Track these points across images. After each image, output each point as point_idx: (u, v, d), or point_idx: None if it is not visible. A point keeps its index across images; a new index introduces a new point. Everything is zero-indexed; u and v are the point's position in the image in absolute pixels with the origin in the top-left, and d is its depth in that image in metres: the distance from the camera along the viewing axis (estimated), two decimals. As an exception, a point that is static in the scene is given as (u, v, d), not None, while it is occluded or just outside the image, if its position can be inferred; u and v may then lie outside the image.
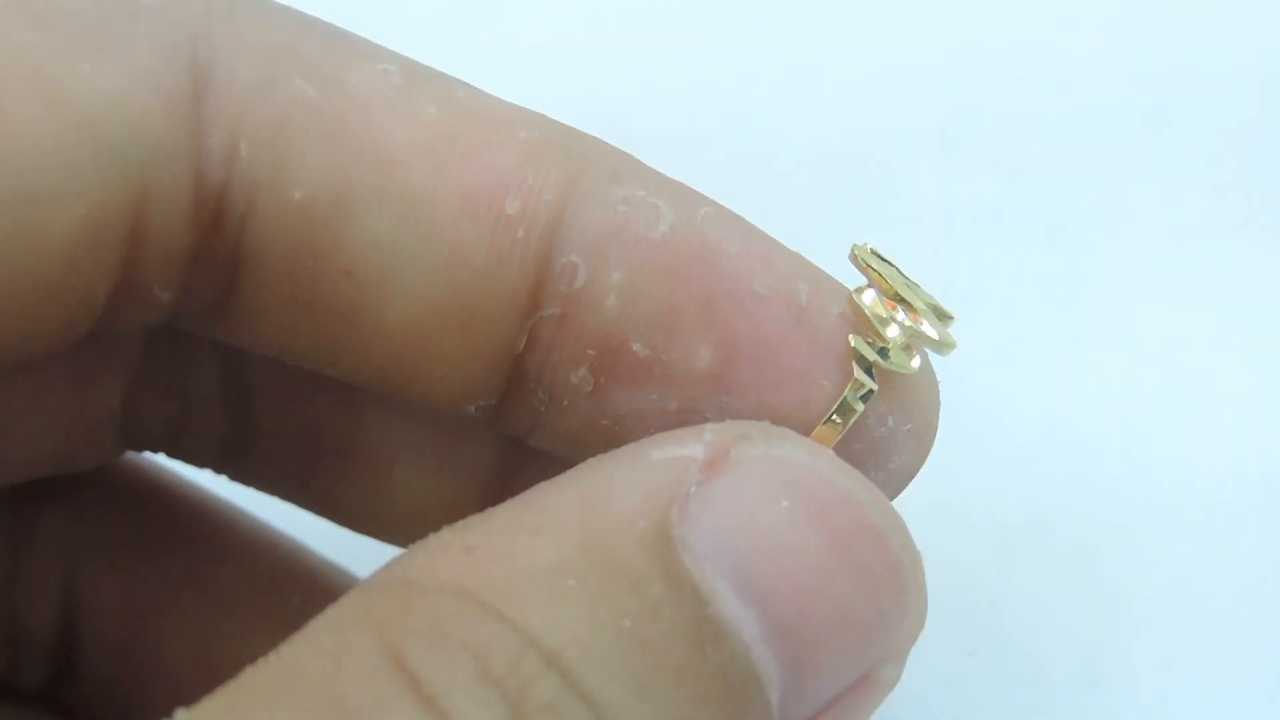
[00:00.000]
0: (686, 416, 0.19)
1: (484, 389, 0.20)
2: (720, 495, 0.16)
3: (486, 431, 0.22)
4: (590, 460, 0.17)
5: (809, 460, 0.17)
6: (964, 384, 0.32)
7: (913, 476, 0.20)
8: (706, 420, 0.19)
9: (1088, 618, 0.29)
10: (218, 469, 0.24)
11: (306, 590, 0.25)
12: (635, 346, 0.19)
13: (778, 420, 0.19)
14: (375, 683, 0.14)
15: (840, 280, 0.20)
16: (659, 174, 0.20)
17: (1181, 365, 0.32)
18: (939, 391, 0.20)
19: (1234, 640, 0.29)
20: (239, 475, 0.24)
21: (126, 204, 0.18)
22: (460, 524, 0.16)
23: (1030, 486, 0.31)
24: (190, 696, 0.19)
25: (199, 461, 0.24)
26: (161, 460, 0.25)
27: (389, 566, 0.16)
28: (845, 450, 0.19)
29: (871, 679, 0.17)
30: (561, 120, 0.20)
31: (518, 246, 0.19)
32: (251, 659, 0.23)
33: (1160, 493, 0.30)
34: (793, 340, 0.19)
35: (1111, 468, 0.31)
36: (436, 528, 0.21)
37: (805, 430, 0.19)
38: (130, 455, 0.25)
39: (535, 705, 0.14)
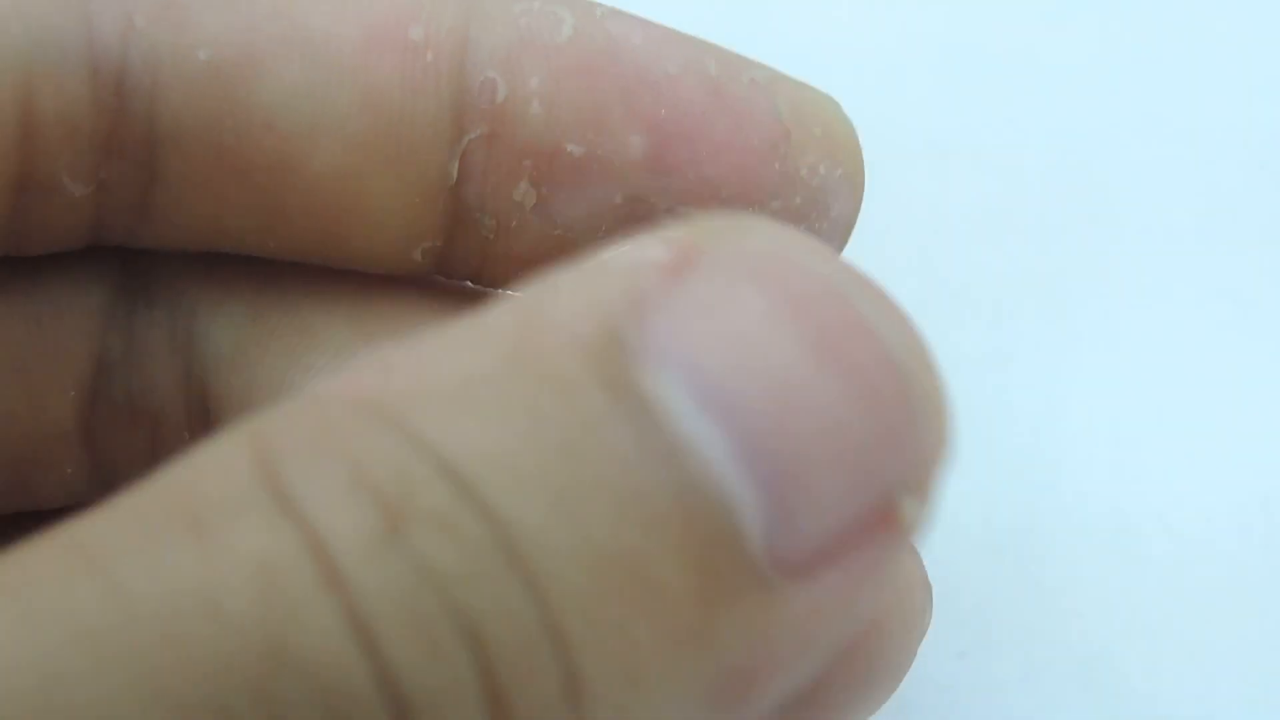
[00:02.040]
0: (634, 206, 0.20)
1: (426, 229, 0.20)
2: (681, 297, 0.13)
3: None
4: (542, 278, 0.15)
5: (787, 249, 0.14)
6: (953, 386, 0.32)
7: (852, 225, 0.21)
8: (653, 207, 0.20)
9: (1078, 620, 0.29)
10: None
11: None
12: (569, 147, 0.20)
13: (718, 191, 0.19)
14: (233, 484, 0.12)
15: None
16: None
17: (1174, 369, 0.32)
18: (857, 134, 0.21)
19: (1225, 644, 0.28)
20: None
21: (12, 82, 0.18)
22: (380, 348, 0.14)
23: (1021, 488, 0.30)
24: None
25: None
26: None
27: (302, 391, 0.14)
28: (786, 205, 0.20)
29: (891, 515, 0.13)
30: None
31: (429, 72, 0.19)
32: None
33: (1152, 495, 0.30)
34: (713, 111, 0.20)
35: (1103, 470, 0.31)
36: None
37: (749, 199, 0.20)
38: None
39: (418, 514, 0.12)
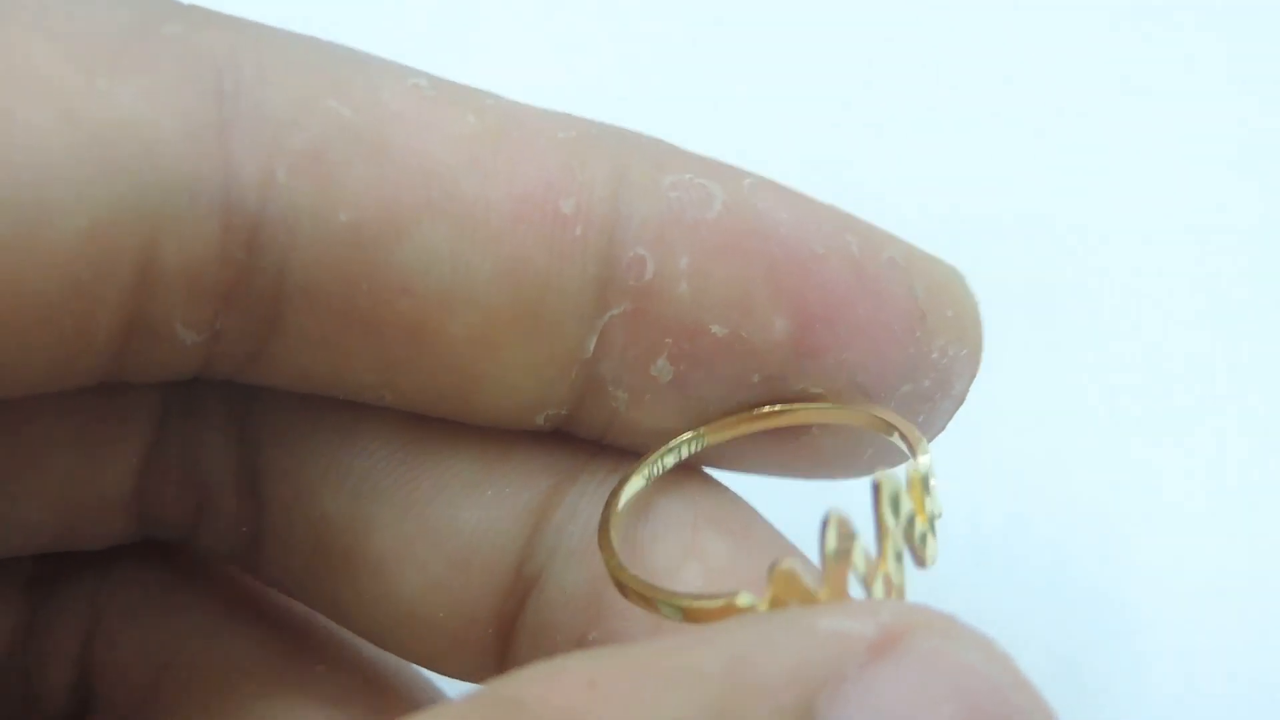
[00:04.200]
0: (771, 386, 0.19)
1: (554, 396, 0.20)
2: (880, 683, 0.14)
3: (500, 539, 0.21)
4: (749, 617, 0.16)
5: (984, 666, 0.15)
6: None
7: (966, 397, 0.21)
8: (788, 390, 0.19)
9: (1067, 621, 0.29)
10: (241, 567, 0.24)
11: (332, 660, 0.23)
12: (714, 328, 0.19)
13: (854, 374, 0.19)
14: None
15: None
16: (697, 155, 0.20)
17: (1162, 371, 0.33)
18: (980, 311, 0.20)
19: (1210, 644, 0.29)
20: (256, 574, 0.23)
21: (137, 226, 0.17)
22: (587, 653, 0.15)
23: (1009, 491, 0.31)
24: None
25: (221, 556, 0.23)
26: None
27: (498, 681, 0.15)
28: (916, 388, 0.19)
29: None
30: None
31: (577, 245, 0.19)
32: None
33: (1139, 498, 0.31)
34: (855, 293, 0.19)
35: (1090, 472, 0.31)
36: (449, 643, 0.21)
37: (884, 382, 0.19)
38: None
39: None
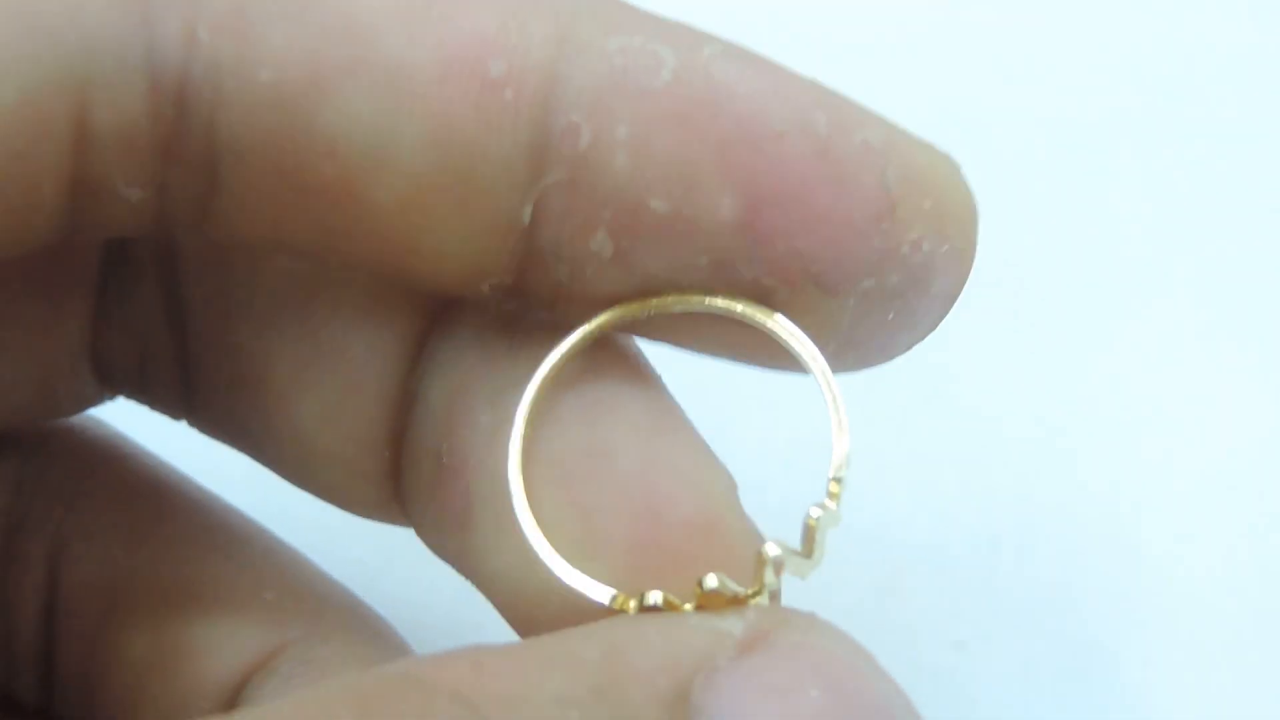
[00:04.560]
0: (720, 272, 0.18)
1: (494, 266, 0.19)
2: (749, 673, 0.15)
3: (387, 363, 0.21)
4: (623, 616, 0.17)
5: (847, 656, 0.16)
6: (953, 379, 0.32)
7: (956, 298, 0.19)
8: (740, 275, 0.18)
9: (1075, 613, 0.29)
10: (182, 414, 0.24)
11: (280, 587, 0.24)
12: (653, 203, 0.18)
13: (809, 265, 0.18)
14: None
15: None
16: (657, 18, 0.19)
17: (1172, 363, 0.32)
18: (974, 204, 0.19)
19: (1218, 637, 0.29)
20: (198, 423, 0.24)
21: (67, 91, 0.17)
22: (475, 645, 0.16)
23: (1020, 482, 0.31)
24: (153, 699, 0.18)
25: (167, 408, 0.24)
26: (151, 448, 0.25)
27: (392, 664, 0.16)
28: (880, 283, 0.18)
29: None
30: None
31: (507, 110, 0.18)
32: (217, 661, 0.22)
33: (1150, 490, 0.31)
34: (814, 177, 0.18)
35: (1101, 464, 0.31)
36: (349, 474, 0.21)
37: (841, 274, 0.18)
38: (120, 443, 0.26)
39: None
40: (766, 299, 0.19)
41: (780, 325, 0.19)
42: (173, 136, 0.18)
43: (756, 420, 0.31)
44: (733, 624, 0.16)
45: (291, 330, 0.21)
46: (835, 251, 0.18)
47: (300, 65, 0.18)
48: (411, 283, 0.20)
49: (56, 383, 0.23)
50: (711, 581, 0.17)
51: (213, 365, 0.22)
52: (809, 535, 0.18)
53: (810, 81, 0.18)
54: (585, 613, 0.17)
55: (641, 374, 0.20)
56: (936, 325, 0.19)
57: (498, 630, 0.19)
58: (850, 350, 0.19)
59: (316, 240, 0.19)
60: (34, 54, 0.17)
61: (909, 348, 0.20)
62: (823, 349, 0.19)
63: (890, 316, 0.19)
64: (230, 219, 0.19)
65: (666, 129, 0.18)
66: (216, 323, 0.22)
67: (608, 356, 0.20)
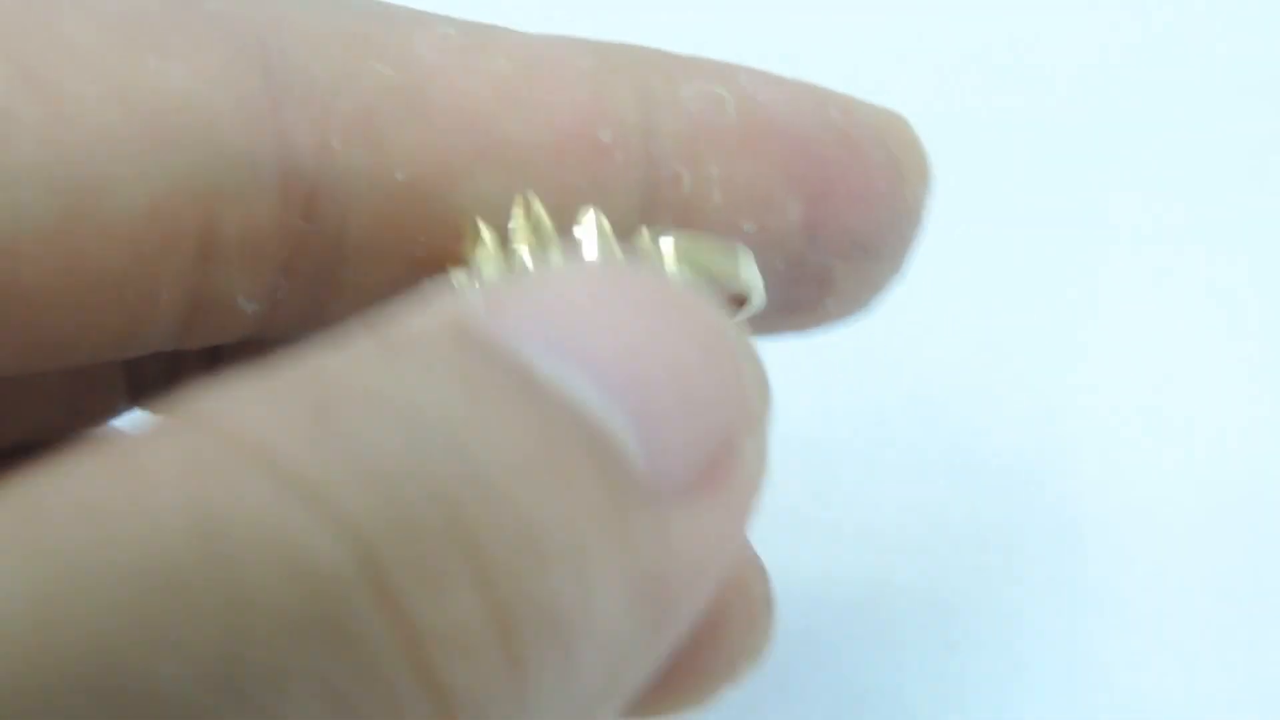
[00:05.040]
0: (792, 270, 0.20)
1: None
2: (518, 296, 0.15)
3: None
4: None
5: (613, 263, 0.17)
6: (942, 380, 0.32)
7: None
8: (808, 266, 0.20)
9: (1066, 614, 0.29)
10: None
11: None
12: (745, 226, 0.20)
13: (854, 238, 0.20)
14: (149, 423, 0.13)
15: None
16: (695, 59, 0.21)
17: (1162, 364, 0.32)
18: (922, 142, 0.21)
19: (1209, 638, 0.29)
20: None
21: (196, 202, 0.17)
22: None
23: (1010, 483, 0.31)
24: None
25: None
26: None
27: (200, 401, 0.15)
28: (902, 235, 0.21)
29: (737, 456, 0.15)
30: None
31: (619, 172, 0.19)
32: None
33: (1140, 492, 0.31)
34: (846, 164, 0.20)
35: (1091, 466, 0.31)
36: None
37: (878, 238, 0.21)
38: None
39: (346, 400, 0.13)
40: (825, 278, 0.21)
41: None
42: (297, 248, 0.19)
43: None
44: (474, 295, 0.15)
45: None
46: (871, 220, 0.20)
47: (430, 160, 0.19)
48: None
49: (86, 397, 0.23)
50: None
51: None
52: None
53: (806, 83, 0.21)
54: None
55: None
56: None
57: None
58: (853, 302, 0.22)
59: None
60: (166, 162, 0.17)
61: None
62: (856, 307, 0.22)
63: (899, 262, 0.22)
64: (342, 315, 0.19)
65: (744, 160, 0.20)
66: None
67: None
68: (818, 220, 0.20)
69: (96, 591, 0.11)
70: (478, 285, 0.16)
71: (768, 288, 0.20)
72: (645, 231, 0.19)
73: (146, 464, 0.12)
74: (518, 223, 0.19)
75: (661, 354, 0.15)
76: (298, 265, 0.19)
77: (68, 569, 0.11)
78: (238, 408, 0.13)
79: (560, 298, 0.15)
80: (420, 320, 0.14)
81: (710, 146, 0.20)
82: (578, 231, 0.19)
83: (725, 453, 0.15)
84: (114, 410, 0.24)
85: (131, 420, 0.24)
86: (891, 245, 0.21)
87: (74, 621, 0.11)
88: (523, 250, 0.19)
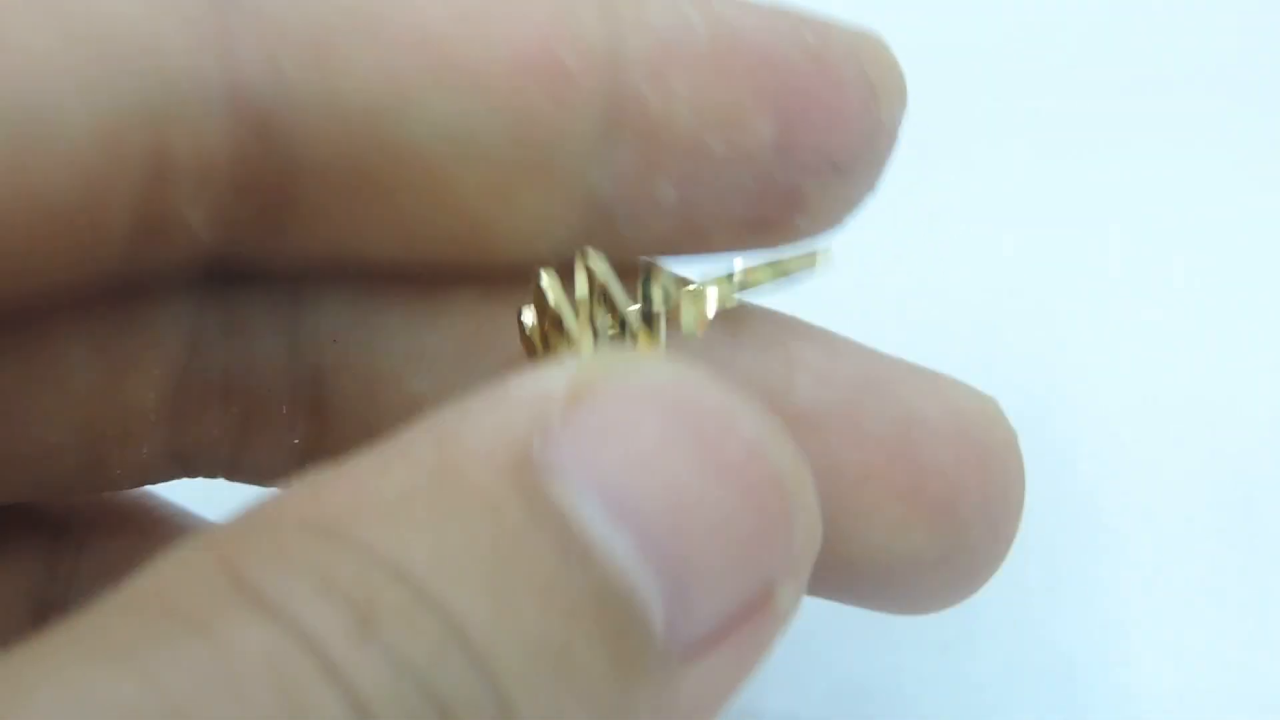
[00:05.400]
0: (763, 185, 0.20)
1: (566, 232, 0.20)
2: (584, 422, 0.15)
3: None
4: (452, 406, 0.16)
5: (673, 378, 0.16)
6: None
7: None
8: (780, 184, 0.20)
9: (1058, 616, 0.29)
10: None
11: None
12: (714, 145, 0.20)
13: (829, 157, 0.20)
14: (212, 593, 0.13)
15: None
16: None
17: (1156, 366, 0.33)
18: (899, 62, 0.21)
19: (1197, 640, 0.29)
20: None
21: (145, 126, 0.17)
22: (314, 473, 0.16)
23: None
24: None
25: (267, 478, 0.23)
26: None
27: (235, 512, 0.15)
28: (876, 154, 0.21)
29: (768, 602, 0.16)
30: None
31: (583, 93, 0.19)
32: None
33: (1131, 494, 0.31)
34: (820, 85, 0.20)
35: (1084, 468, 0.31)
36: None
37: (851, 158, 0.20)
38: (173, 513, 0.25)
39: (384, 611, 0.13)
40: (797, 196, 0.21)
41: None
42: (252, 170, 0.19)
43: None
44: (555, 381, 0.15)
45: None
46: (846, 140, 0.20)
47: (385, 83, 0.19)
48: (484, 261, 0.21)
49: (109, 455, 0.22)
50: (527, 317, 0.19)
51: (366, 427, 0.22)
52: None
53: (780, 7, 0.20)
54: None
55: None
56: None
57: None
58: (825, 220, 0.21)
59: (393, 245, 0.20)
60: (110, 86, 0.17)
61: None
62: (829, 225, 0.21)
63: (873, 180, 0.21)
64: (299, 240, 0.20)
65: (713, 79, 0.19)
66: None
67: None
68: (790, 139, 0.20)
69: None
70: (539, 390, 0.16)
71: (737, 205, 0.20)
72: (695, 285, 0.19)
73: (237, 654, 0.13)
74: (580, 288, 0.19)
75: (709, 505, 0.15)
76: (252, 187, 0.19)
77: None
78: (292, 586, 0.13)
79: (621, 427, 0.15)
80: (481, 436, 0.15)
81: (678, 67, 0.19)
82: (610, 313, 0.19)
83: (756, 601, 0.15)
84: (146, 473, 0.23)
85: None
86: (865, 164, 0.21)
87: None
88: (584, 334, 0.19)
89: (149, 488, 0.24)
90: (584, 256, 0.19)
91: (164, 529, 0.25)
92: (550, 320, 0.19)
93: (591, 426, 0.15)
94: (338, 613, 0.13)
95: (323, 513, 0.14)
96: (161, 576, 0.14)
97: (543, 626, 0.14)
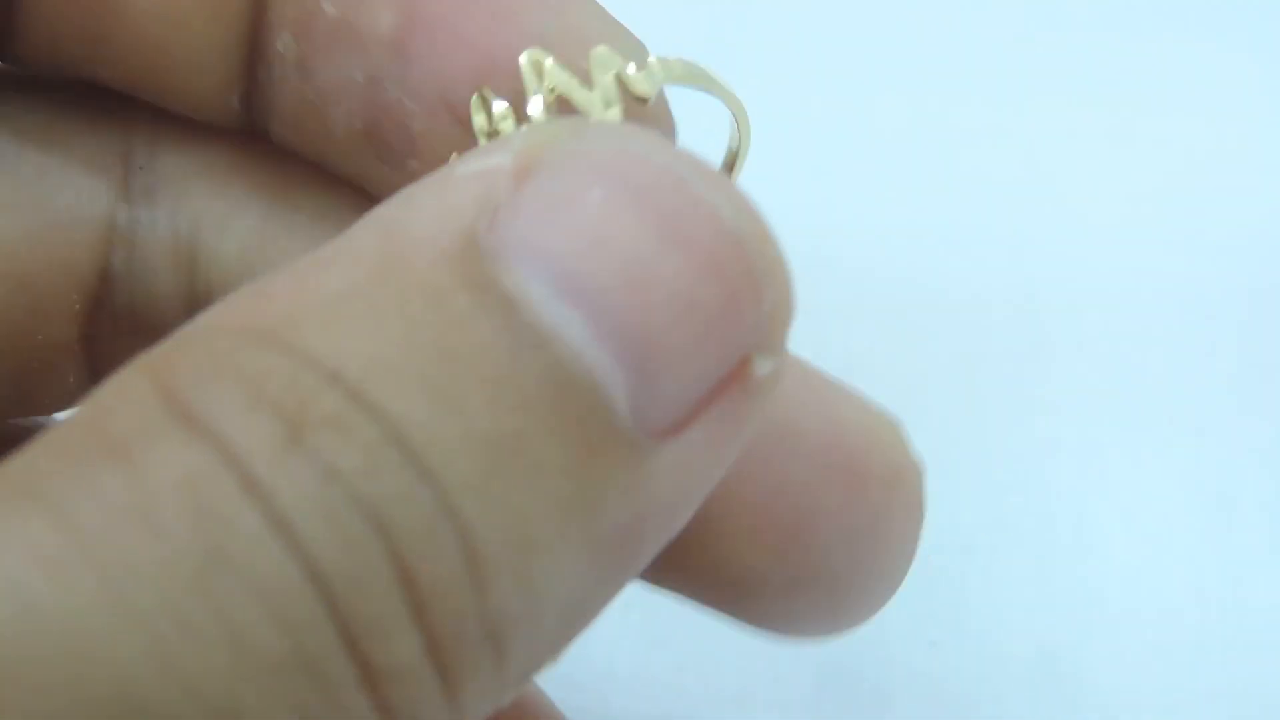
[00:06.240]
0: (373, 90, 0.19)
1: (234, 74, 0.20)
2: (529, 199, 0.14)
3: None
4: (399, 192, 0.15)
5: (622, 143, 0.15)
6: (920, 397, 0.33)
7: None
8: (387, 95, 0.19)
9: (1043, 614, 0.30)
10: None
11: None
12: (326, 6, 0.19)
13: (452, 97, 0.18)
14: (142, 414, 0.13)
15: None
16: None
17: (1137, 380, 0.33)
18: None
19: (1179, 638, 0.29)
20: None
21: None
22: (265, 274, 0.15)
23: (991, 487, 0.31)
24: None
25: None
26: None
27: (183, 328, 0.14)
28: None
29: (745, 374, 0.14)
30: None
31: None
32: None
33: (1119, 494, 0.31)
34: (476, 5, 0.18)
35: (1069, 471, 0.32)
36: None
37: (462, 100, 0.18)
38: None
39: (314, 420, 0.13)
40: (403, 128, 0.19)
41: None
42: None
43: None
44: (500, 157, 0.14)
45: None
46: (477, 80, 0.18)
47: None
48: (178, 99, 0.20)
49: (32, 385, 0.22)
50: (498, 106, 0.17)
51: None
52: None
53: None
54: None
55: None
56: None
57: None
58: None
59: (90, 54, 0.19)
60: None
61: None
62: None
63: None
64: (29, 36, 0.19)
65: None
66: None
67: None
68: (410, 47, 0.18)
69: (125, 621, 0.12)
70: (489, 162, 0.15)
71: (350, 100, 0.19)
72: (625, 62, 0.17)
73: (154, 482, 0.12)
74: (527, 85, 0.17)
75: (668, 277, 0.14)
76: None
77: (105, 600, 0.12)
78: (222, 401, 0.13)
79: (568, 201, 0.14)
80: (425, 223, 0.14)
81: None
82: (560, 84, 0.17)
83: (730, 375, 0.14)
84: (67, 398, 0.23)
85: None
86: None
87: (110, 645, 0.12)
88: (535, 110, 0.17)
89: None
90: (532, 56, 0.18)
91: None
92: (499, 119, 0.18)
93: (539, 202, 0.14)
94: (267, 424, 0.13)
95: (260, 319, 0.14)
96: (98, 404, 0.13)
97: (491, 421, 0.13)
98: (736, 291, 0.14)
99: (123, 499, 0.12)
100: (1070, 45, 0.38)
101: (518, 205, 0.14)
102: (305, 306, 0.14)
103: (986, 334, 0.33)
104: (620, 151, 0.14)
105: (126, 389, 0.13)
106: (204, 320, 0.14)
